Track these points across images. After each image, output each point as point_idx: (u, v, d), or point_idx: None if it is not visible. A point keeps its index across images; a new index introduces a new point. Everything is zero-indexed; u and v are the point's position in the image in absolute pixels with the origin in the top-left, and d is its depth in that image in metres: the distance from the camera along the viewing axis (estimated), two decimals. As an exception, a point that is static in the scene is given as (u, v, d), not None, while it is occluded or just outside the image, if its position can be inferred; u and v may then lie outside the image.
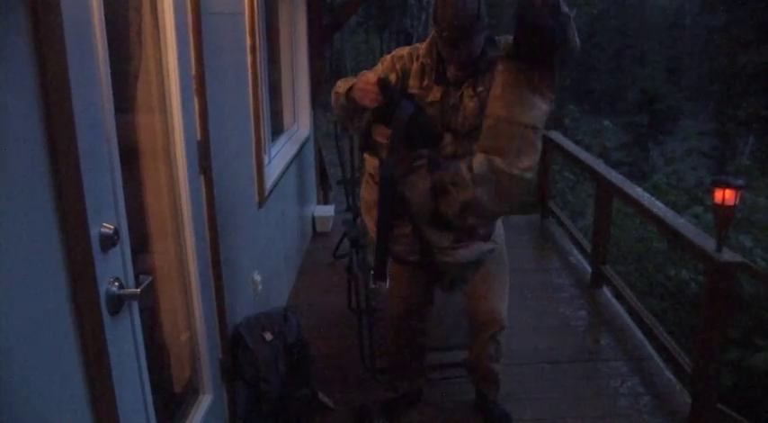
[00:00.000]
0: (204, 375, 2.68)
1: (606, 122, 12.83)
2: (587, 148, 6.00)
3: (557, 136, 6.10)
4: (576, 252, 5.56)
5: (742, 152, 22.75)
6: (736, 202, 3.13)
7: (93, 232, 1.57)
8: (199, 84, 2.52)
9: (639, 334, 4.11)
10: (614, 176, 4.55)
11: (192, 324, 2.60)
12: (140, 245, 2.28)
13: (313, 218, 6.12)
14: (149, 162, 2.37)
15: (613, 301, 4.62)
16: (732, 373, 4.98)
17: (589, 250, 5.08)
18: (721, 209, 3.15)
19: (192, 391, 2.67)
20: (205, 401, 2.67)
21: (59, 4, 1.40)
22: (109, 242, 1.64)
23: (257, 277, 3.51)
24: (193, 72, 2.49)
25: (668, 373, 3.67)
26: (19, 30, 1.30)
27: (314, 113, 6.19)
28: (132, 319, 1.83)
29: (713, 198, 3.20)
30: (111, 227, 1.65)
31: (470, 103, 2.56)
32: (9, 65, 1.27)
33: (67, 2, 1.45)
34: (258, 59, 3.69)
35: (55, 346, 1.44)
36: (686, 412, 3.29)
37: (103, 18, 1.68)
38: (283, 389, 3.02)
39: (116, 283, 1.69)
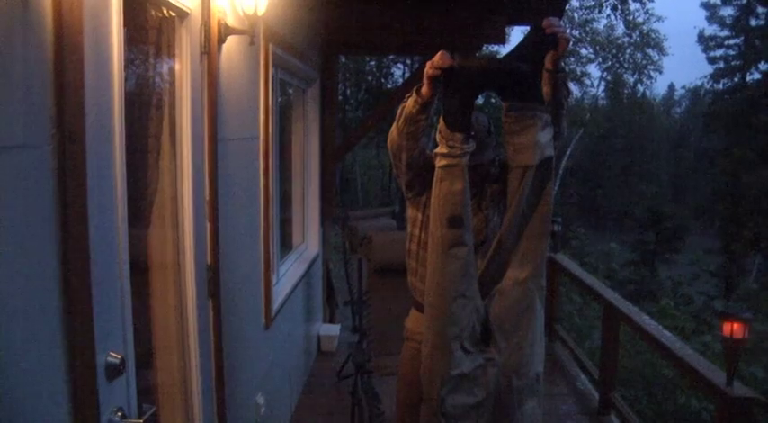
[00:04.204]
0: None
1: (613, 244, 12.89)
2: (594, 269, 6.00)
3: (563, 259, 6.11)
4: (582, 377, 5.44)
5: (749, 271, 22.71)
6: (746, 335, 3.09)
7: (100, 361, 1.57)
8: (212, 209, 2.57)
9: (650, 467, 3.98)
10: (622, 303, 4.51)
11: (193, 450, 2.54)
12: (144, 362, 2.26)
13: (318, 337, 6.06)
14: (159, 284, 2.39)
15: (622, 430, 4.50)
16: None
17: (596, 375, 4.99)
18: (730, 341, 3.11)
19: None
20: None
21: (84, 137, 1.48)
22: (115, 372, 1.64)
23: (260, 400, 3.45)
24: (207, 198, 2.54)
25: None
26: (43, 166, 1.36)
27: (323, 230, 6.22)
28: (133, 449, 1.80)
29: (722, 330, 3.16)
30: (119, 356, 1.65)
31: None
32: (31, 201, 1.32)
33: (91, 134, 1.52)
34: (270, 181, 3.76)
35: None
36: None
37: (124, 145, 1.76)
38: None
39: (119, 413, 1.67)
